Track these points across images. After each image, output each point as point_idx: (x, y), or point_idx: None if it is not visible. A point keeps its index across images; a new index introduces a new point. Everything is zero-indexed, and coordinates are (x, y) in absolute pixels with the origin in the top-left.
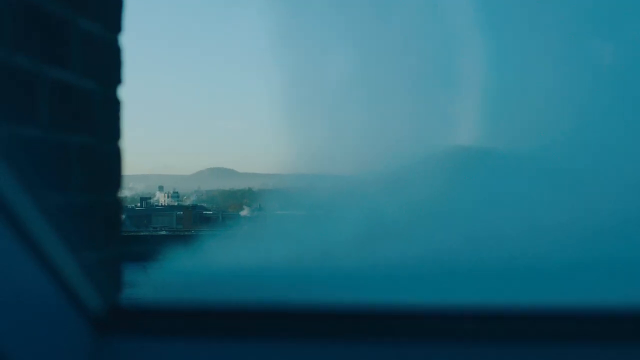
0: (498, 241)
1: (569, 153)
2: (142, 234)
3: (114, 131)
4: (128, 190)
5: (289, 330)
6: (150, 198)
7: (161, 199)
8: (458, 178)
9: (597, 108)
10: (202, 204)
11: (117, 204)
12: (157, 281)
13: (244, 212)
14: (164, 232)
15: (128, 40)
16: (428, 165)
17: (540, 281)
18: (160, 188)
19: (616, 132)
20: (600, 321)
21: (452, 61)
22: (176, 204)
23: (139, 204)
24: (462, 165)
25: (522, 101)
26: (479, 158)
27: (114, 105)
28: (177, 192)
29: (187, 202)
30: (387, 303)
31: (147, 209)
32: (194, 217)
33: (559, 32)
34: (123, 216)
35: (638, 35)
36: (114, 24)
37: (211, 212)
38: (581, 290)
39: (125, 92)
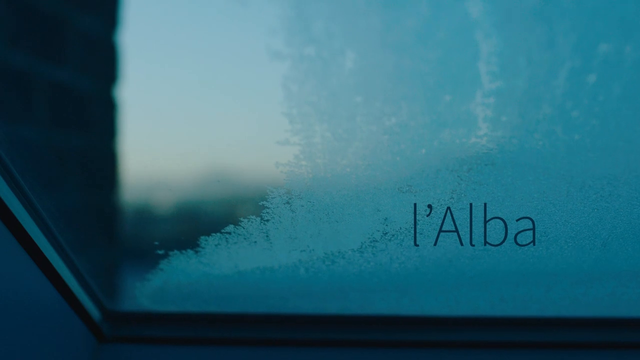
0: (500, 247)
1: (579, 155)
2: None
3: (111, 131)
4: (126, 192)
5: (292, 337)
6: (150, 200)
7: (161, 201)
8: (465, 181)
9: (615, 110)
10: (204, 208)
11: (115, 206)
12: (157, 286)
13: (247, 216)
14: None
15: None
16: (433, 166)
17: (535, 290)
18: (161, 190)
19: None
20: (593, 329)
21: (461, 60)
22: (177, 206)
23: (137, 206)
24: (470, 168)
25: (531, 101)
26: (488, 161)
27: (111, 104)
28: (178, 195)
29: (188, 205)
30: (389, 311)
31: (147, 211)
32: (195, 221)
33: (566, 31)
34: (121, 218)
35: None
36: (111, 21)
37: (213, 216)
38: (573, 299)
39: (124, 90)
